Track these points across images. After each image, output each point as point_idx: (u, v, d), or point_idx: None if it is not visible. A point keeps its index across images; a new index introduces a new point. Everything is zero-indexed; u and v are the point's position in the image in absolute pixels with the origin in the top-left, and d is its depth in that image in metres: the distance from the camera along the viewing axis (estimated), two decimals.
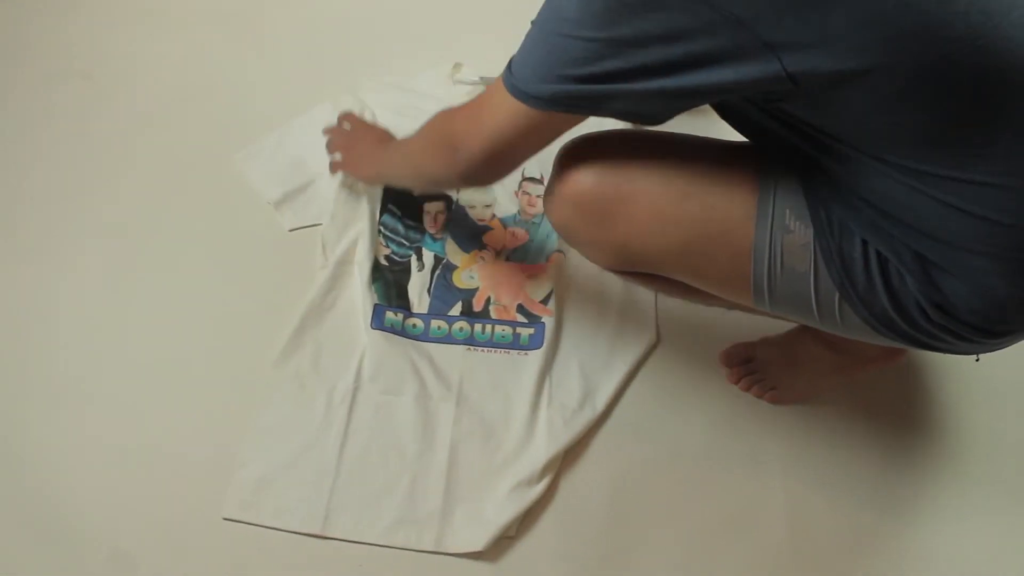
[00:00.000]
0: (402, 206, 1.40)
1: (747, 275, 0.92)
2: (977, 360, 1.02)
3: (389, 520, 1.14)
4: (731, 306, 1.16)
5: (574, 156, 0.98)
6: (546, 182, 1.43)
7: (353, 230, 1.36)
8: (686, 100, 0.83)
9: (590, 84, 0.80)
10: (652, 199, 0.93)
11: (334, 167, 1.39)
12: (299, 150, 1.46)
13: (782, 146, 0.89)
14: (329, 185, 1.41)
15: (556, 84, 0.81)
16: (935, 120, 0.75)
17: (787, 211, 0.89)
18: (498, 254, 1.37)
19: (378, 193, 1.41)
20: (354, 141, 1.37)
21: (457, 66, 1.57)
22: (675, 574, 1.13)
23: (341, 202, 1.39)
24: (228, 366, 1.26)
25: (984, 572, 1.16)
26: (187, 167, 1.46)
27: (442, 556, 1.13)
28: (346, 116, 1.41)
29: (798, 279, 0.90)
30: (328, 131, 1.41)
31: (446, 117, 1.02)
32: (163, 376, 1.25)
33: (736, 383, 1.27)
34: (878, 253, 0.86)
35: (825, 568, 1.15)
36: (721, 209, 0.91)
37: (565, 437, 1.20)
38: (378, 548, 1.13)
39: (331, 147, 1.40)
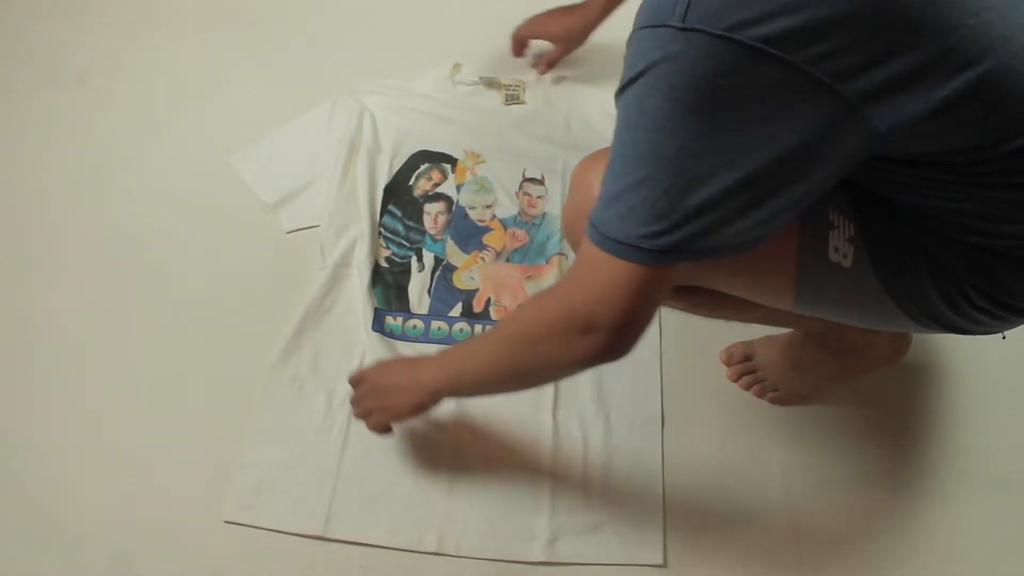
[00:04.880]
0: (402, 207, 1.40)
1: (791, 274, 0.89)
2: (1003, 338, 0.99)
3: (390, 522, 1.14)
4: (752, 320, 1.15)
5: (592, 172, 0.89)
6: (548, 186, 1.44)
7: (352, 232, 1.36)
8: (791, 209, 0.74)
9: (702, 214, 0.70)
10: None
11: (379, 424, 1.10)
12: (296, 152, 1.46)
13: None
14: (327, 187, 1.41)
15: (665, 232, 0.71)
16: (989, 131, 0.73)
17: (828, 207, 0.87)
18: (498, 255, 1.37)
19: (378, 194, 1.40)
20: (379, 381, 1.10)
21: (457, 67, 1.57)
22: (674, 570, 1.13)
23: (339, 204, 1.38)
24: (228, 368, 1.25)
25: (984, 570, 1.16)
26: (185, 169, 1.46)
27: (443, 557, 1.12)
28: (353, 378, 1.13)
29: (843, 276, 0.88)
30: (352, 399, 1.14)
31: (545, 310, 0.87)
32: (162, 378, 1.24)
33: (735, 381, 1.27)
34: (923, 246, 0.85)
35: (825, 566, 1.15)
36: None
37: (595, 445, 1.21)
38: (379, 549, 1.12)
39: (360, 410, 1.11)
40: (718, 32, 0.65)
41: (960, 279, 0.84)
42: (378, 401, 1.08)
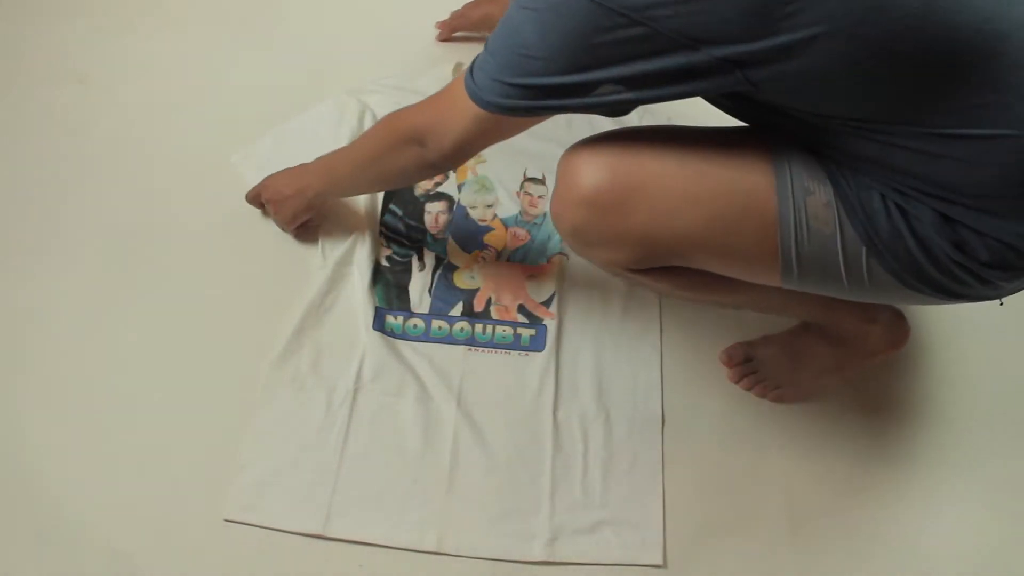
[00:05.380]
0: (403, 206, 1.40)
1: (774, 245, 0.91)
2: (1001, 304, 1.00)
3: (390, 521, 1.14)
4: (740, 304, 1.16)
5: (578, 158, 0.97)
6: (549, 185, 1.44)
7: (352, 231, 1.36)
8: (644, 103, 0.86)
9: (547, 98, 0.85)
10: (668, 182, 0.93)
11: (270, 209, 1.35)
12: (297, 150, 1.46)
13: (783, 128, 0.90)
14: None
15: (514, 96, 0.87)
16: (905, 84, 0.78)
17: (803, 173, 0.90)
18: (499, 254, 1.37)
19: (379, 195, 1.40)
20: (267, 181, 1.33)
21: (458, 66, 1.57)
22: (674, 570, 1.13)
23: (340, 203, 1.38)
24: (228, 367, 1.25)
25: (985, 569, 1.16)
26: (185, 169, 1.45)
27: (443, 556, 1.12)
28: (250, 196, 1.38)
29: (825, 241, 0.90)
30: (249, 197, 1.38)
31: (404, 117, 1.06)
32: (162, 377, 1.24)
33: (737, 382, 1.27)
34: (896, 203, 0.87)
35: (825, 566, 1.15)
36: (740, 181, 0.91)
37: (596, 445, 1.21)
38: (379, 548, 1.12)
39: (254, 199, 1.37)
40: None
41: (931, 234, 0.86)
42: (280, 211, 1.32)
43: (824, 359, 1.21)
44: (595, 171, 0.94)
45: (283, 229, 1.36)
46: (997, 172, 0.81)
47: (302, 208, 1.30)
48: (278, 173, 1.32)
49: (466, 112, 0.92)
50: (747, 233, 0.92)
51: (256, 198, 1.36)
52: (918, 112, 0.80)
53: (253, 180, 1.42)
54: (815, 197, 0.89)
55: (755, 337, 1.28)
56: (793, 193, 0.90)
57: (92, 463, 1.17)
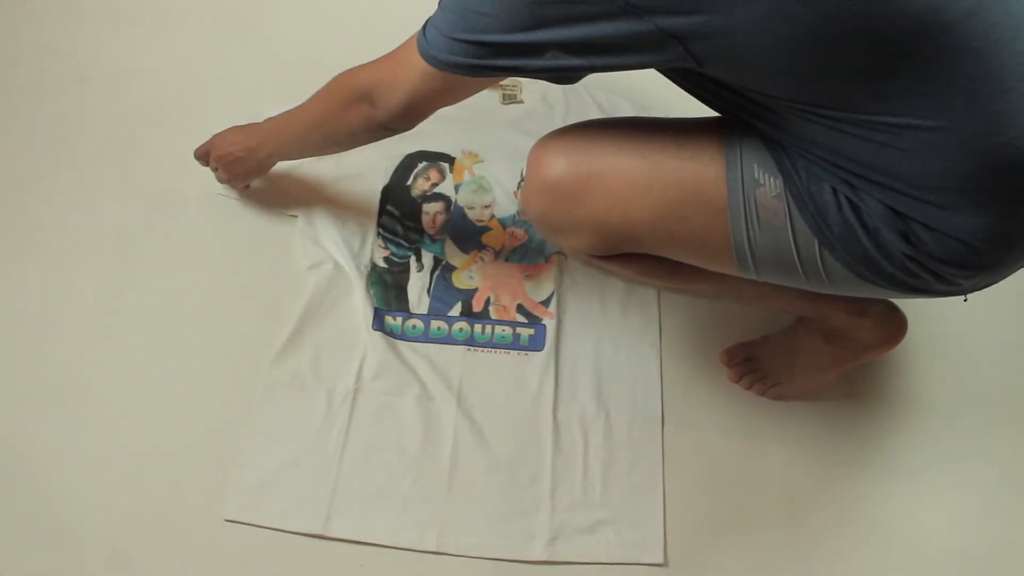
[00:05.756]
0: (401, 207, 1.40)
1: (726, 235, 0.94)
2: (965, 300, 1.01)
3: (391, 520, 1.14)
4: (716, 294, 1.16)
5: (542, 149, 1.03)
6: None
7: (351, 232, 1.36)
8: (590, 72, 0.89)
9: (496, 57, 0.86)
10: (624, 169, 0.97)
11: (220, 174, 1.32)
12: None
13: (740, 111, 0.92)
14: (305, 177, 1.42)
15: (462, 54, 0.87)
16: (845, 68, 0.78)
17: (754, 165, 0.92)
18: (497, 254, 1.37)
19: (376, 195, 1.40)
20: (217, 139, 1.29)
21: None
22: (675, 569, 1.13)
23: (338, 204, 1.38)
24: (228, 367, 1.25)
25: (984, 565, 1.16)
26: (185, 168, 1.45)
27: (443, 556, 1.12)
28: (198, 152, 1.33)
29: (777, 233, 0.92)
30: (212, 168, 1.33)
31: (355, 75, 1.05)
32: (162, 377, 1.24)
33: (737, 381, 1.27)
34: (845, 195, 0.88)
35: (825, 565, 1.16)
36: (692, 171, 0.94)
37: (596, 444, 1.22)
38: (379, 548, 1.13)
39: (202, 156, 1.32)
40: None
41: (881, 228, 0.87)
42: (229, 171, 1.29)
43: (820, 355, 1.21)
44: (556, 160, 1.01)
45: (230, 187, 1.36)
46: (940, 165, 0.81)
47: (253, 168, 1.28)
48: (227, 131, 1.29)
49: (416, 69, 0.92)
50: (697, 221, 0.95)
51: (204, 156, 1.32)
52: (858, 98, 0.80)
53: None
54: (764, 189, 0.91)
55: (755, 337, 1.28)
56: (743, 184, 0.92)
57: (92, 463, 1.17)
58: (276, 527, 1.13)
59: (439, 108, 1.01)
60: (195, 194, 1.42)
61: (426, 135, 1.48)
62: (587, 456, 1.20)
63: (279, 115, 1.21)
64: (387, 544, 1.13)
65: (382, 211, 1.39)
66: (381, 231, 1.37)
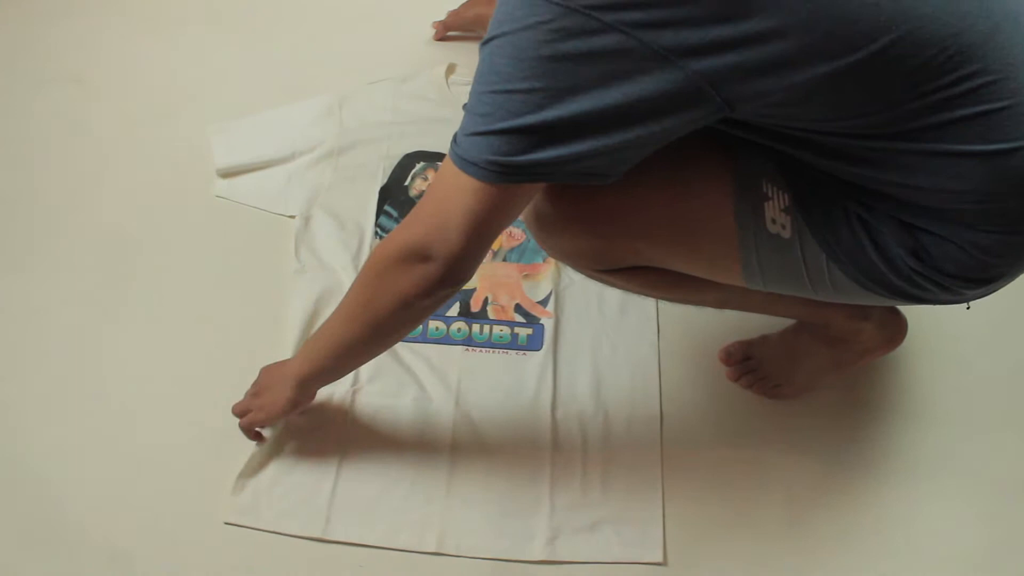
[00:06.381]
0: (398, 208, 1.40)
1: (734, 247, 0.93)
2: (968, 308, 1.01)
3: (390, 522, 1.14)
4: (720, 303, 1.16)
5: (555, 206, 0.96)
6: None
7: (349, 234, 1.36)
8: (635, 150, 0.81)
9: (539, 147, 0.77)
10: (628, 189, 0.89)
11: (251, 423, 1.14)
12: (272, 133, 1.47)
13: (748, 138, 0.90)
14: (280, 174, 1.43)
15: (505, 150, 0.77)
16: (889, 100, 0.77)
17: (763, 180, 0.90)
18: (495, 254, 1.37)
19: (374, 196, 1.40)
20: (257, 385, 1.14)
21: (451, 67, 1.57)
22: (675, 569, 1.13)
23: (336, 206, 1.39)
24: (227, 369, 1.25)
25: (985, 567, 1.16)
26: (185, 168, 1.45)
27: (443, 557, 1.12)
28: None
29: (784, 246, 0.91)
30: (237, 408, 1.16)
31: (393, 239, 0.90)
32: (162, 379, 1.25)
33: (735, 380, 1.27)
34: (855, 212, 0.87)
35: (825, 564, 1.15)
36: (700, 183, 0.92)
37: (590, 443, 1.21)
38: (379, 549, 1.12)
39: (238, 410, 1.14)
40: (556, 0, 0.72)
41: (891, 244, 0.86)
42: (252, 402, 1.12)
43: (821, 357, 1.21)
44: (574, 242, 0.98)
45: (247, 431, 1.15)
46: (971, 185, 0.80)
47: (282, 403, 1.09)
48: (261, 372, 1.15)
49: (464, 191, 0.81)
50: (704, 235, 0.94)
51: (244, 412, 1.14)
52: (912, 129, 0.78)
53: (216, 145, 1.45)
54: (772, 202, 0.90)
55: (754, 336, 1.28)
56: (751, 198, 0.90)
57: (92, 465, 1.18)
58: (275, 531, 1.13)
59: (500, 232, 0.88)
60: (194, 195, 1.43)
61: (424, 135, 1.48)
62: (586, 456, 1.20)
63: (312, 336, 1.06)
64: (387, 546, 1.12)
65: (380, 212, 1.39)
66: (379, 231, 1.37)
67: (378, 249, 0.93)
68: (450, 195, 0.82)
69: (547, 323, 1.30)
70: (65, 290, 1.32)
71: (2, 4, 1.67)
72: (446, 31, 1.63)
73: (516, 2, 0.75)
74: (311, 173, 1.42)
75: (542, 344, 1.28)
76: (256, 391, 1.13)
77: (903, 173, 0.82)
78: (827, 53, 0.73)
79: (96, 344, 1.28)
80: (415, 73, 1.56)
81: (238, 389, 1.22)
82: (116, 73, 1.59)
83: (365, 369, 1.23)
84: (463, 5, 1.62)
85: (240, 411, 1.14)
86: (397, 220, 1.38)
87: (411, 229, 0.88)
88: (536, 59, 0.74)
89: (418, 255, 0.86)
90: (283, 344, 1.25)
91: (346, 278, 1.32)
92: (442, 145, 1.46)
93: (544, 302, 1.32)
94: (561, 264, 1.35)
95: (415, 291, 0.88)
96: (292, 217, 1.38)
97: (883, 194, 0.85)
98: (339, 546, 1.12)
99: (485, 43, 0.79)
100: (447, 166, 0.83)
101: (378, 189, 1.41)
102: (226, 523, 1.13)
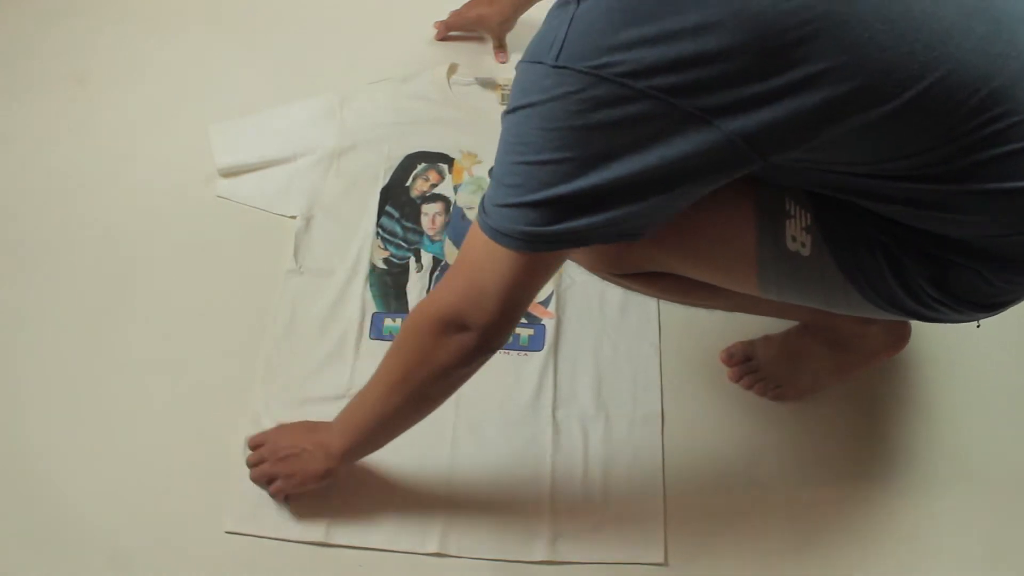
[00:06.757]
0: (400, 208, 1.40)
1: (752, 262, 0.93)
2: (978, 326, 1.00)
3: (391, 525, 1.14)
4: (732, 307, 1.16)
5: None
6: None
7: (349, 235, 1.36)
8: (664, 212, 0.80)
9: (570, 216, 0.77)
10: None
11: (283, 491, 1.11)
12: (273, 133, 1.47)
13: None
14: (281, 174, 1.43)
15: (536, 221, 0.77)
16: (916, 140, 0.76)
17: (785, 198, 0.91)
18: None
19: (375, 196, 1.40)
20: (278, 445, 1.11)
21: (453, 67, 1.57)
22: (675, 569, 1.13)
23: (335, 207, 1.39)
24: (228, 373, 1.25)
25: (985, 569, 1.16)
26: (184, 169, 1.45)
27: (443, 558, 1.12)
28: (253, 440, 1.15)
29: (803, 263, 0.91)
30: (249, 461, 1.13)
31: (428, 307, 0.90)
32: (163, 383, 1.24)
33: (737, 381, 1.27)
34: (876, 236, 0.87)
35: (825, 564, 1.15)
36: (721, 196, 0.89)
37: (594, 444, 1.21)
38: (379, 549, 1.12)
39: (259, 475, 1.11)
40: (585, 70, 0.71)
41: (912, 271, 0.87)
42: (283, 467, 1.09)
43: (823, 360, 1.21)
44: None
45: (278, 497, 1.12)
46: (1007, 221, 0.80)
47: (320, 473, 1.07)
48: (285, 429, 1.13)
49: (497, 258, 0.81)
50: (724, 247, 0.94)
51: (258, 447, 1.13)
52: (919, 167, 0.78)
53: (216, 143, 1.44)
54: (794, 220, 0.90)
55: (756, 337, 1.28)
56: (773, 214, 0.91)
57: (93, 467, 1.17)
58: (277, 537, 1.12)
59: (534, 297, 0.89)
60: (194, 195, 1.42)
61: (425, 136, 1.48)
62: (587, 456, 1.20)
63: (349, 406, 1.04)
64: (389, 549, 1.12)
65: (381, 212, 1.39)
66: (380, 232, 1.37)
67: (412, 320, 0.92)
68: (483, 265, 0.82)
69: (548, 323, 1.30)
70: (66, 290, 1.32)
71: (2, 4, 1.67)
72: (448, 31, 1.63)
73: (542, 71, 0.74)
74: (312, 173, 1.42)
75: (543, 344, 1.28)
76: (284, 455, 1.09)
77: (937, 211, 0.81)
78: (862, 104, 0.72)
79: (96, 344, 1.27)
80: (417, 73, 1.56)
81: (238, 389, 1.22)
82: (116, 73, 1.59)
83: (359, 374, 1.23)
84: (465, 5, 1.61)
85: (266, 477, 1.10)
86: (398, 220, 1.38)
87: (445, 300, 0.88)
88: (567, 129, 0.74)
89: (455, 326, 0.86)
90: (275, 345, 1.25)
91: (344, 281, 1.32)
92: (444, 145, 1.47)
93: (545, 302, 1.32)
94: (563, 268, 1.35)
95: (454, 362, 0.89)
96: (293, 217, 1.38)
97: (915, 229, 0.85)
98: (339, 546, 1.12)
99: (510, 112, 0.78)
100: (477, 235, 0.82)
101: (379, 190, 1.41)
102: (227, 532, 1.12)
